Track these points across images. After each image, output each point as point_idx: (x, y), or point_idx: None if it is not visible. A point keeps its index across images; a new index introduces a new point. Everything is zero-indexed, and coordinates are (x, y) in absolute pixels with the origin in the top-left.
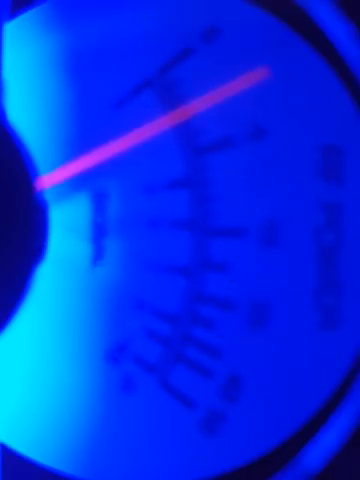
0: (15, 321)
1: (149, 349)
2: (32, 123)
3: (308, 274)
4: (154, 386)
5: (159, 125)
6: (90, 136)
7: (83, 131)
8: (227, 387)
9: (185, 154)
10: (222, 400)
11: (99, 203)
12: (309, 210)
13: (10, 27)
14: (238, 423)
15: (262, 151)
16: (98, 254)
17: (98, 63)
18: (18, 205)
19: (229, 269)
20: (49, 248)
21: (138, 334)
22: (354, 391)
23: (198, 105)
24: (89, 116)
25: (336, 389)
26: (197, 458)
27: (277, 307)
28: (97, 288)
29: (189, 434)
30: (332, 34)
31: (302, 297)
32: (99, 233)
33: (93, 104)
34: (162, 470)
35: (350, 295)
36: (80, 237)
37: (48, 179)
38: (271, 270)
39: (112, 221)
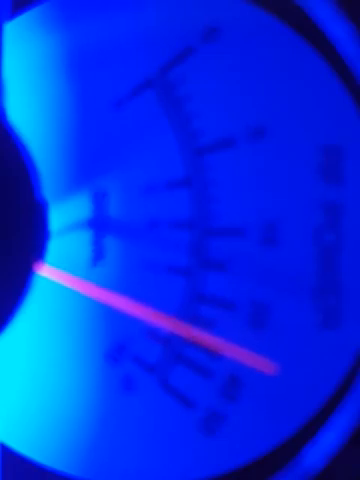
0: (15, 321)
1: (149, 349)
2: (32, 123)
3: (308, 274)
4: (154, 386)
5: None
6: (90, 136)
7: (83, 131)
8: (227, 387)
9: (185, 154)
10: (222, 400)
11: (99, 203)
12: (309, 210)
13: (10, 27)
14: (238, 423)
15: (262, 151)
16: (98, 254)
17: (98, 63)
18: (18, 205)
19: (229, 269)
20: (49, 248)
21: (138, 334)
22: (354, 391)
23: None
24: (89, 116)
25: (336, 389)
26: (197, 458)
27: (277, 307)
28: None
29: (189, 434)
30: (332, 34)
31: (302, 297)
32: (99, 233)
33: (93, 104)
34: (162, 470)
35: (350, 295)
36: (80, 237)
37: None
38: (271, 270)
39: (112, 221)
